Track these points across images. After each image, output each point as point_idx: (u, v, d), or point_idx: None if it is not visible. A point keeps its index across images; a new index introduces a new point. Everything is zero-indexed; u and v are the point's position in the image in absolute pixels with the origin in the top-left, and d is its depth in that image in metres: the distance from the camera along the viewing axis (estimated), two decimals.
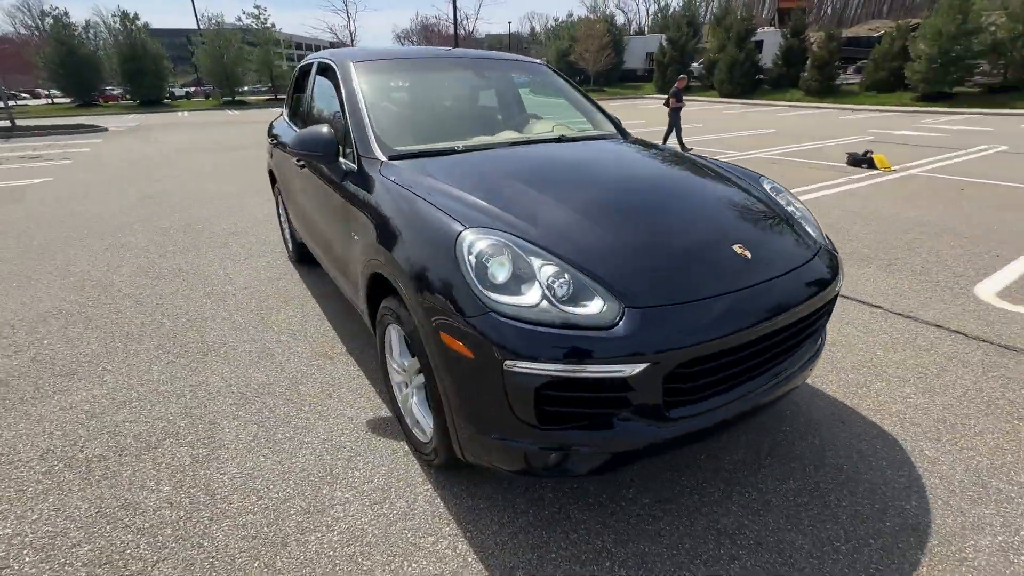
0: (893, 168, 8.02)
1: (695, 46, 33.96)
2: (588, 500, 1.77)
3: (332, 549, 1.58)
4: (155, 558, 1.56)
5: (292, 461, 1.96)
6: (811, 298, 1.57)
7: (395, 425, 2.16)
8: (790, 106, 24.65)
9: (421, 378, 1.76)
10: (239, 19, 34.56)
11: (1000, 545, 1.58)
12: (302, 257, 3.98)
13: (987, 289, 3.48)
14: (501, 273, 1.39)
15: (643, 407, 1.34)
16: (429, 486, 1.83)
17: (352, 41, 42.33)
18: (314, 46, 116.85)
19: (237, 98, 34.23)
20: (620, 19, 45.73)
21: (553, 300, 1.33)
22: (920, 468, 1.89)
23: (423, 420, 1.84)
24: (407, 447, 2.03)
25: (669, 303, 1.36)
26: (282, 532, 1.64)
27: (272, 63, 34.25)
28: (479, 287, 1.36)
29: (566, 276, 1.37)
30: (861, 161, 8.33)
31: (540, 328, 1.29)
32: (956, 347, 2.74)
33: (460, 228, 1.49)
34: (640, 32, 45.40)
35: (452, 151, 2.16)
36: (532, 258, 1.41)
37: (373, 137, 2.15)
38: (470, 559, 1.55)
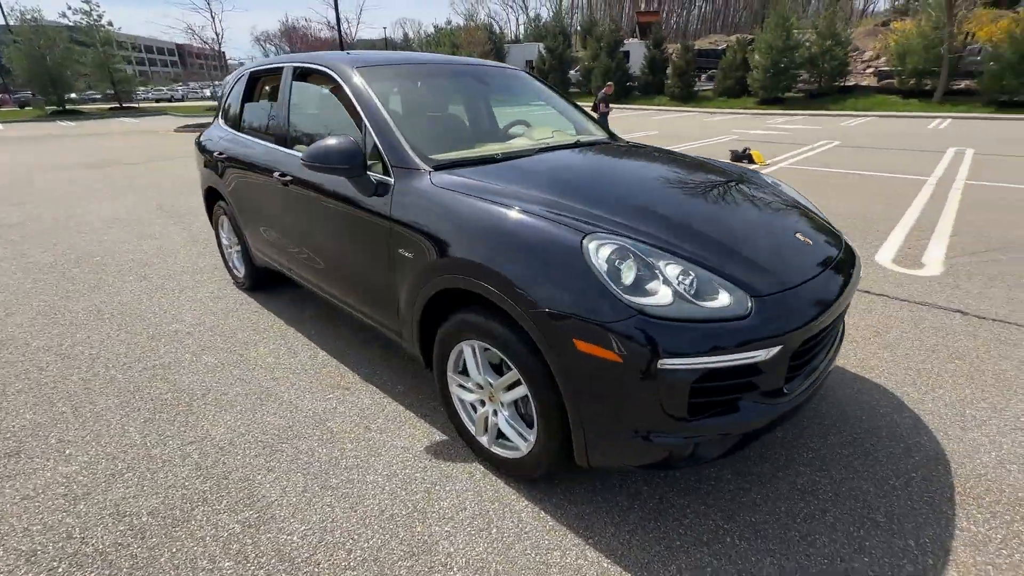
0: (767, 162, 9.31)
1: (570, 55, 36.10)
2: (680, 487, 1.85)
3: None
4: None
5: (366, 505, 1.78)
6: (855, 278, 1.82)
7: (457, 446, 2.06)
8: (659, 110, 27.35)
9: (514, 393, 1.71)
10: (63, 15, 29.48)
11: (996, 459, 1.96)
12: (258, 284, 3.57)
13: (884, 257, 4.23)
14: (630, 276, 1.42)
15: (769, 387, 1.46)
16: (527, 502, 1.79)
17: (219, 44, 38.16)
18: (165, 49, 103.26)
19: (68, 107, 29.18)
20: (494, 28, 46.91)
21: (687, 297, 1.39)
22: (914, 408, 2.27)
23: (515, 436, 1.78)
24: (482, 467, 1.95)
25: (783, 289, 1.50)
26: None
27: (111, 67, 29.71)
28: (618, 291, 1.38)
29: (691, 274, 1.44)
30: (742, 157, 9.55)
31: (689, 324, 1.34)
32: (888, 308, 3.30)
33: (579, 235, 1.49)
34: (516, 40, 47.24)
35: (493, 159, 2.11)
36: (654, 259, 1.46)
37: (408, 147, 2.03)
38: (605, 564, 1.55)
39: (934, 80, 22.30)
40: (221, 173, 3.25)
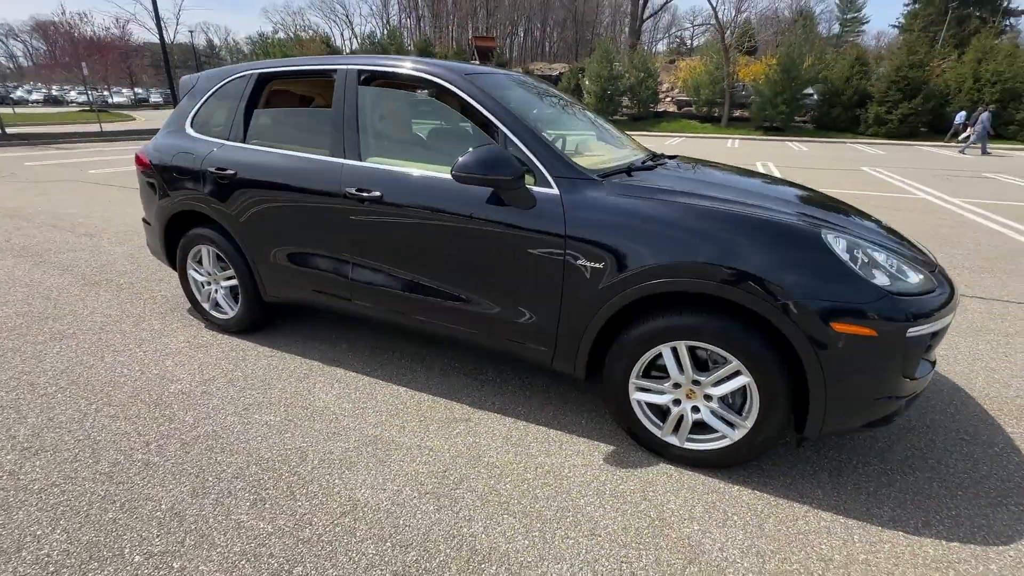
0: None
1: None
2: (840, 458, 2.15)
3: None
4: None
5: (603, 526, 1.70)
6: None
7: (628, 452, 2.07)
8: None
9: (728, 385, 1.81)
10: None
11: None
12: (256, 324, 2.99)
13: None
14: (864, 262, 1.66)
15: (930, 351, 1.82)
16: (737, 486, 1.89)
17: None
18: None
19: None
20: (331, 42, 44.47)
21: (899, 276, 1.68)
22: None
23: (722, 426, 1.88)
24: (669, 466, 1.99)
25: (933, 269, 1.88)
26: None
27: None
28: (865, 276, 1.60)
29: (892, 259, 1.74)
30: None
31: (914, 298, 1.63)
32: None
33: (815, 228, 1.68)
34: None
35: (630, 168, 2.18)
36: (868, 247, 1.72)
37: (567, 156, 1.99)
38: (837, 517, 1.75)
39: (720, 108, 27.84)
40: (218, 194, 2.65)
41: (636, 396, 1.98)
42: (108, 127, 19.81)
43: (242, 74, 2.74)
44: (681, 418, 1.94)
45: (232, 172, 2.60)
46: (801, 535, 1.69)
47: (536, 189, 1.96)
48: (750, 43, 35.52)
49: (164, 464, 1.96)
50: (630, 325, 1.91)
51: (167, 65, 14.80)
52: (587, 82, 29.18)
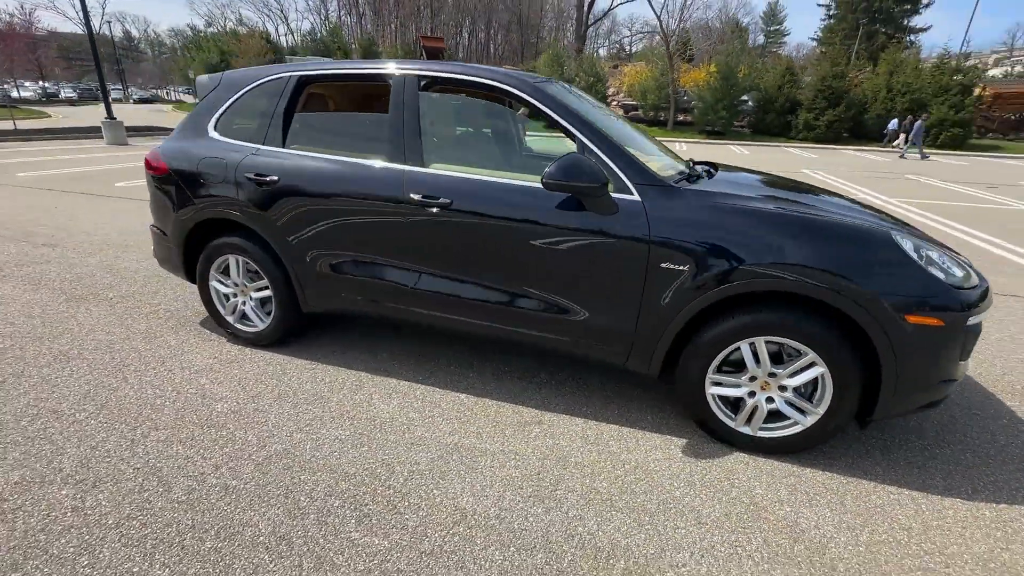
0: None
1: None
2: (884, 438, 2.36)
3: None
4: None
5: (705, 515, 1.80)
6: None
7: (702, 443, 2.18)
8: None
9: (802, 376, 1.96)
10: None
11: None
12: (288, 335, 2.87)
13: None
14: (927, 259, 1.85)
15: None
16: (810, 469, 2.05)
17: None
18: None
19: None
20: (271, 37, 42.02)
21: (950, 272, 1.89)
22: None
23: (795, 413, 2.02)
24: (744, 455, 2.12)
25: (970, 266, 2.12)
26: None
27: None
28: (931, 272, 1.79)
29: (944, 257, 1.95)
30: None
31: (967, 291, 1.84)
32: None
33: (885, 230, 1.85)
34: (292, 52, 43.53)
35: (691, 175, 2.30)
36: (925, 245, 1.92)
37: (644, 163, 2.07)
38: (924, 501, 1.94)
39: (665, 113, 29.09)
40: (257, 201, 2.52)
41: (712, 391, 2.10)
42: (23, 124, 17.94)
43: (277, 76, 2.62)
44: (755, 409, 2.08)
45: (274, 178, 2.49)
46: (878, 508, 1.86)
47: (617, 196, 2.03)
48: (689, 52, 37.43)
49: (245, 487, 1.86)
50: (707, 324, 2.02)
51: (96, 58, 13.52)
52: None
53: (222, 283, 2.86)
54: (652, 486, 1.93)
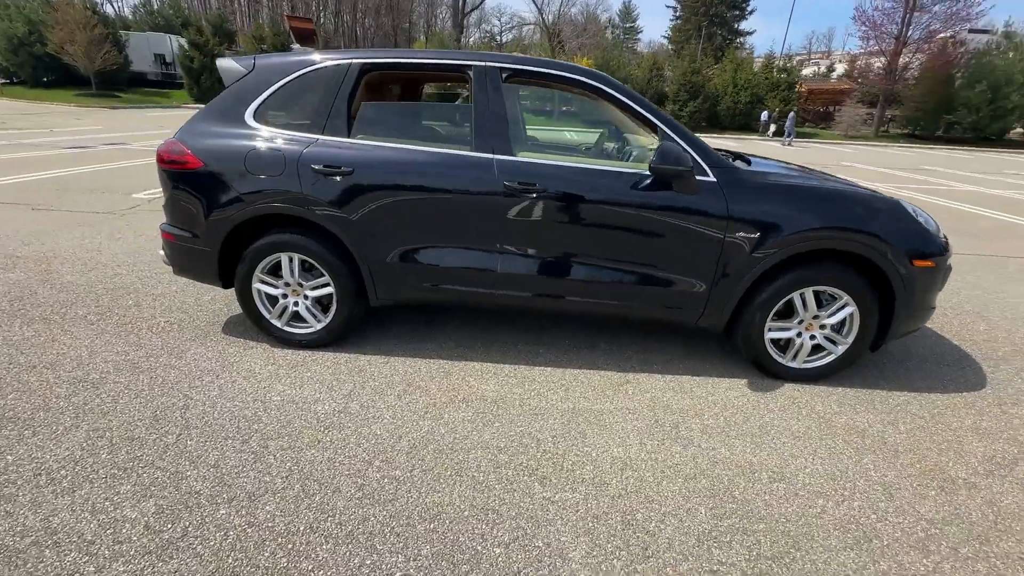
0: None
1: (227, 53, 31.45)
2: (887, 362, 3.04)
3: None
4: None
5: (800, 431, 2.25)
6: None
7: (763, 379, 2.65)
8: None
9: (836, 318, 2.50)
10: None
11: None
12: (345, 334, 2.78)
13: None
14: (920, 218, 2.48)
15: None
16: (852, 392, 2.63)
17: None
18: None
19: None
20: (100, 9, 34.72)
21: (929, 226, 2.55)
22: None
23: (831, 346, 2.57)
24: (787, 387, 2.64)
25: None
26: None
27: None
28: (926, 226, 2.42)
29: (927, 215, 2.60)
30: None
31: (944, 238, 2.51)
32: None
33: (895, 198, 2.43)
34: (126, 27, 36.84)
35: (745, 160, 2.74)
36: (916, 208, 2.56)
37: (712, 149, 2.43)
38: (944, 403, 2.60)
39: (550, 104, 30.45)
40: (325, 194, 2.41)
41: (768, 335, 2.57)
42: None
43: (334, 63, 2.50)
44: (801, 346, 2.59)
45: (348, 170, 2.41)
46: (899, 406, 2.48)
47: (698, 178, 2.38)
48: (561, 45, 39.45)
49: (413, 475, 1.89)
50: (767, 281, 2.48)
51: None
52: None
53: (270, 285, 2.67)
54: (747, 416, 2.35)
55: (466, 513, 1.73)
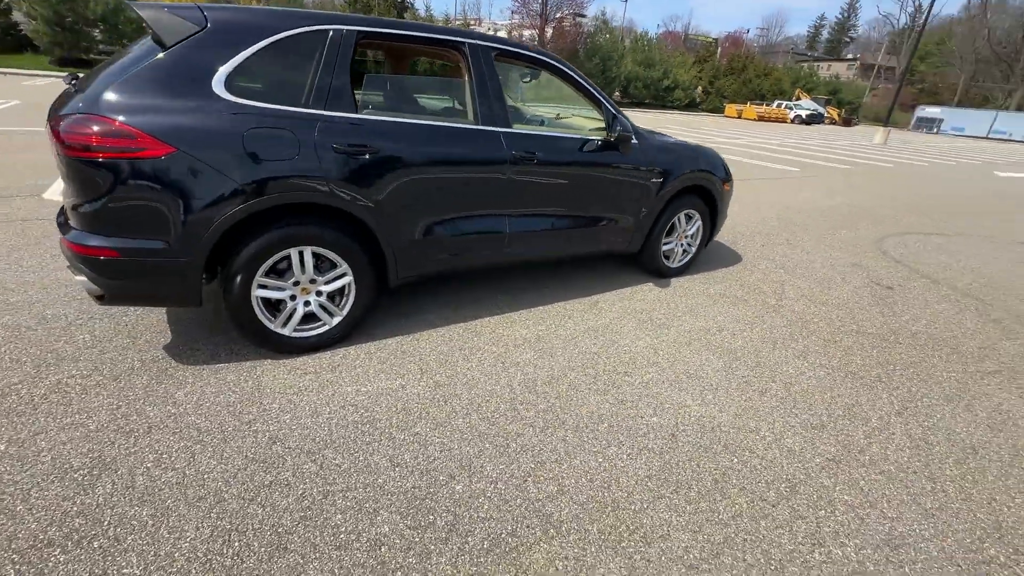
0: None
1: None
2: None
3: None
4: None
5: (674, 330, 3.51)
6: None
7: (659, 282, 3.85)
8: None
9: (693, 227, 3.86)
10: None
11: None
12: (356, 326, 2.66)
13: None
14: (722, 159, 3.96)
15: None
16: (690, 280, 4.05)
17: None
18: None
19: None
20: None
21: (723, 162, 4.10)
22: None
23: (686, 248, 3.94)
24: (675, 283, 3.92)
25: None
26: None
27: None
28: (726, 163, 3.91)
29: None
30: None
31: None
32: None
33: (711, 148, 3.79)
34: None
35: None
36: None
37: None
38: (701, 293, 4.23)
39: None
40: (349, 175, 2.20)
41: (663, 249, 3.74)
42: None
43: (323, 27, 2.18)
44: (677, 252, 3.87)
45: (375, 148, 2.27)
46: (736, 278, 4.04)
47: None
48: None
49: (567, 396, 2.27)
50: (664, 213, 3.59)
51: None
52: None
53: (274, 288, 2.29)
54: (677, 302, 3.47)
55: (609, 404, 2.26)
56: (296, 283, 2.35)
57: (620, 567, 1.52)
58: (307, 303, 2.42)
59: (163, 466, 1.74)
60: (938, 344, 3.18)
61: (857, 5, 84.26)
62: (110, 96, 1.89)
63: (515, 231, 2.91)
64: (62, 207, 2.55)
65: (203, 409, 2.04)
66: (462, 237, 2.73)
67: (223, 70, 2.05)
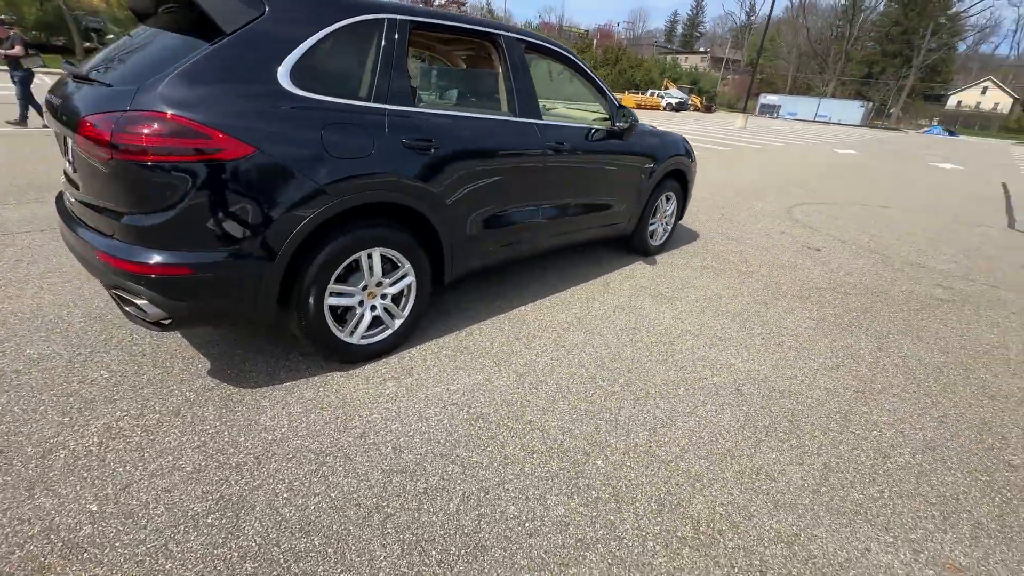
0: None
1: None
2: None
3: None
4: None
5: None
6: None
7: (630, 256, 4.18)
8: None
9: (670, 208, 4.23)
10: None
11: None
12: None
13: None
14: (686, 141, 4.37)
15: None
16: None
17: None
18: None
19: None
20: None
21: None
22: None
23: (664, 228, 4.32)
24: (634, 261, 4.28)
25: None
26: None
27: None
28: (690, 146, 4.33)
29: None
30: None
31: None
32: None
33: (679, 133, 4.17)
34: None
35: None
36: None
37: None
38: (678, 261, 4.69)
39: (65, 37, 21.86)
40: (415, 171, 2.13)
41: (650, 229, 4.06)
42: None
43: (379, 16, 2.05)
44: (657, 233, 4.22)
45: (437, 143, 2.21)
46: (712, 252, 4.50)
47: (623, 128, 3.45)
48: None
49: (643, 367, 2.44)
50: (660, 187, 3.89)
51: None
52: None
53: (345, 294, 2.15)
54: (673, 276, 3.80)
55: (674, 371, 2.49)
56: (364, 287, 2.24)
57: (765, 503, 1.75)
58: (373, 307, 2.31)
59: (302, 493, 1.61)
60: (873, 292, 3.89)
61: (703, 3, 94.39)
62: (172, 91, 1.64)
63: (546, 219, 3.00)
64: (59, 197, 2.20)
65: (303, 430, 1.89)
66: (507, 228, 2.76)
67: (288, 61, 1.87)
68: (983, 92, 63.76)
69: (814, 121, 45.79)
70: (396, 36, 2.17)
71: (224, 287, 1.83)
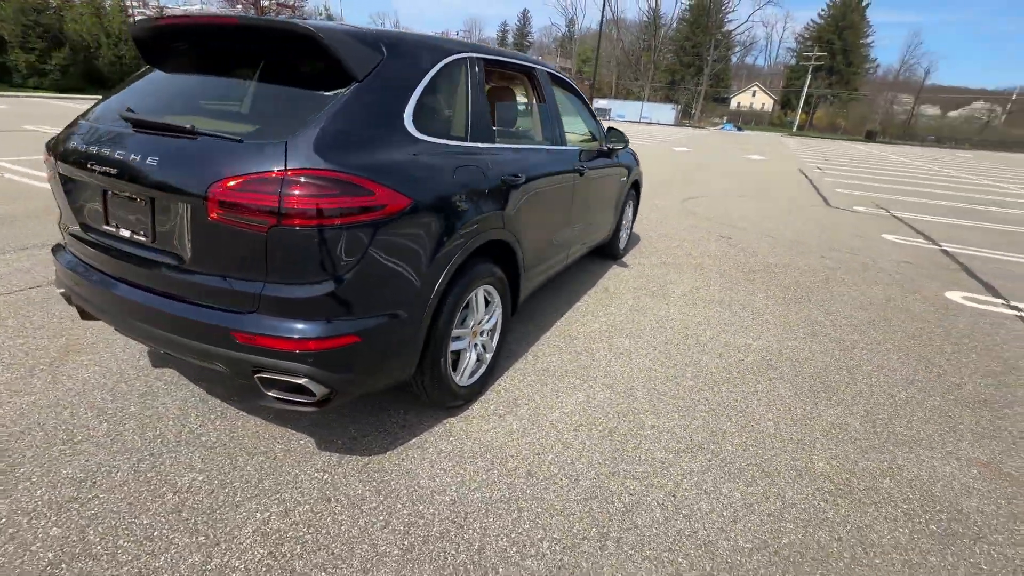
0: None
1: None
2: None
3: None
4: None
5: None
6: None
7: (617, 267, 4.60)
8: None
9: (629, 214, 4.71)
10: None
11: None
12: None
13: None
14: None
15: None
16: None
17: None
18: None
19: None
20: None
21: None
22: None
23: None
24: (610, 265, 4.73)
25: None
26: None
27: None
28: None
29: None
30: None
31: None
32: None
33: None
34: None
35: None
36: None
37: None
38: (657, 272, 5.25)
39: None
40: (507, 206, 2.16)
41: (621, 235, 4.48)
42: None
43: (463, 55, 2.01)
44: (624, 239, 4.67)
45: (521, 179, 2.26)
46: (684, 249, 5.06)
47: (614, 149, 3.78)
48: None
49: (694, 354, 2.76)
50: (627, 197, 4.31)
51: None
52: None
53: (458, 338, 2.10)
54: (657, 277, 4.26)
55: (715, 358, 2.89)
56: (469, 327, 2.20)
57: (855, 449, 2.20)
58: (475, 346, 2.28)
59: (528, 543, 1.60)
60: (790, 269, 4.82)
61: (529, 14, 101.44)
62: (329, 146, 1.49)
63: (569, 238, 3.19)
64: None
65: (473, 484, 1.83)
66: (548, 251, 2.89)
67: (409, 105, 1.79)
68: (753, 95, 79.25)
69: (639, 122, 52.42)
70: (478, 75, 2.18)
71: (387, 350, 1.69)
